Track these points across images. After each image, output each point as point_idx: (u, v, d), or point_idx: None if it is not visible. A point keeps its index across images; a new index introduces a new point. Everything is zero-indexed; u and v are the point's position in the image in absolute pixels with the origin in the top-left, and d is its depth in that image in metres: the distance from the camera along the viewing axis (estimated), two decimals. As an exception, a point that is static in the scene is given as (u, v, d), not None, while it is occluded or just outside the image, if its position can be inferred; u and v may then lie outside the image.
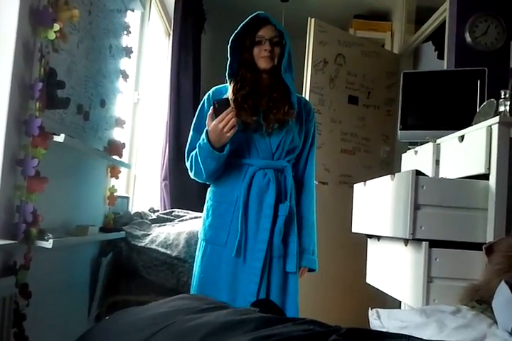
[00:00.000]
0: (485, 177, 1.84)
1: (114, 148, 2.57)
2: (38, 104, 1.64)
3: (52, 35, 1.66)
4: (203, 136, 1.84)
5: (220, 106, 1.80)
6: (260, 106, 1.93)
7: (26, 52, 1.64)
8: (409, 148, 2.67)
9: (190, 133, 1.99)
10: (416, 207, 1.80)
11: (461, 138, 2.02)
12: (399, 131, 2.70)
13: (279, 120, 1.90)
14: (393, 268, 2.11)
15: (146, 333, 1.03)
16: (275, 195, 1.89)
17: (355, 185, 2.52)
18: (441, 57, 3.76)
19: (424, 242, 1.80)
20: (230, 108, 1.79)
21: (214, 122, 1.79)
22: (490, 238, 1.77)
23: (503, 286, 1.31)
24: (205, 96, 2.02)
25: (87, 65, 2.19)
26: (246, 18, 1.91)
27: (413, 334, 1.10)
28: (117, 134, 2.70)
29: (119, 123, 2.70)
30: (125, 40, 2.72)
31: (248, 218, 1.89)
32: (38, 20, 1.66)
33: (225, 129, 1.78)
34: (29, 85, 1.65)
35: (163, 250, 2.65)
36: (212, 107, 1.82)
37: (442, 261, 1.80)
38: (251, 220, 1.89)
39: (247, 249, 1.88)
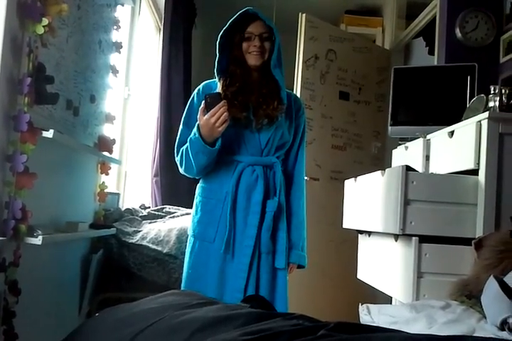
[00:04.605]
0: (474, 172, 1.85)
1: (104, 144, 2.56)
2: (26, 99, 1.62)
3: (40, 30, 1.64)
4: (195, 130, 1.83)
5: (211, 100, 1.79)
6: (250, 102, 1.92)
7: (14, 46, 1.62)
8: (400, 144, 2.68)
9: (180, 127, 1.99)
10: (406, 202, 1.81)
11: (451, 133, 2.03)
12: (389, 127, 2.71)
13: (268, 115, 1.90)
14: (384, 264, 2.12)
15: (135, 329, 1.03)
16: (263, 192, 1.89)
17: (346, 181, 2.53)
18: (432, 52, 3.77)
19: (414, 237, 1.81)
20: (221, 102, 1.78)
21: (206, 116, 1.78)
22: (479, 233, 1.78)
23: (491, 281, 1.32)
24: (195, 91, 2.02)
25: (77, 60, 2.18)
26: (237, 13, 1.90)
27: (403, 329, 1.11)
28: (107, 130, 2.69)
29: (109, 118, 2.68)
30: (115, 35, 2.70)
31: (236, 214, 1.89)
32: (26, 14, 1.64)
33: (217, 124, 1.77)
34: (17, 80, 1.64)
35: (154, 246, 2.65)
36: (203, 101, 1.81)
37: (432, 256, 1.81)
38: (239, 216, 1.89)
39: (235, 245, 1.88)
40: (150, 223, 2.98)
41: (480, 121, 1.83)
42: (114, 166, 2.86)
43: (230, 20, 1.90)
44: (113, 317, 1.16)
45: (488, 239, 1.59)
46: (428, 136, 2.26)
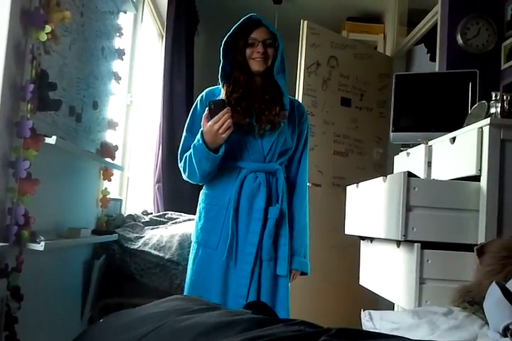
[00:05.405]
0: (476, 178, 1.85)
1: (107, 150, 2.57)
2: (29, 105, 1.63)
3: (43, 37, 1.66)
4: (198, 136, 1.84)
5: (215, 107, 1.80)
6: (253, 108, 1.93)
7: (17, 53, 1.63)
8: (402, 150, 2.68)
9: (184, 133, 1.99)
10: (408, 208, 1.81)
11: (453, 139, 2.03)
12: (391, 133, 2.71)
13: (270, 121, 1.91)
14: (386, 270, 2.12)
15: (138, 334, 1.03)
16: (266, 199, 1.90)
17: (348, 187, 2.53)
18: (433, 59, 3.78)
19: (416, 244, 1.81)
20: (225, 109, 1.79)
21: (209, 123, 1.79)
22: (481, 239, 1.77)
23: (494, 287, 1.31)
24: (199, 98, 2.03)
25: (79, 67, 2.19)
26: (239, 20, 1.91)
27: (405, 336, 1.11)
28: (110, 136, 2.70)
29: (112, 125, 2.69)
30: (117, 42, 2.72)
31: (238, 221, 1.90)
32: (29, 21, 1.66)
33: (221, 130, 1.78)
34: (20, 87, 1.65)
35: (156, 252, 2.65)
36: (207, 108, 1.82)
37: (434, 263, 1.80)
38: (241, 223, 1.89)
39: (238, 252, 1.88)
40: (152, 229, 2.98)
41: (481, 128, 1.84)
42: (116, 172, 2.87)
43: (234, 26, 1.91)
44: (116, 322, 1.16)
45: (490, 245, 1.59)
46: (430, 142, 2.26)
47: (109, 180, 2.68)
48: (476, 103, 2.26)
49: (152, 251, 2.65)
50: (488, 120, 1.81)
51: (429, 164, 2.24)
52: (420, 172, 2.23)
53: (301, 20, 3.71)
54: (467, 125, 1.99)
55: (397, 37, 4.41)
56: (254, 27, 1.91)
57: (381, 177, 2.05)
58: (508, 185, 1.81)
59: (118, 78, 2.73)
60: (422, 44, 4.20)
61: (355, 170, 3.87)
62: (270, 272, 1.90)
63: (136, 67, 3.40)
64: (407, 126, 2.68)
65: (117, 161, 2.89)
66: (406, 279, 1.87)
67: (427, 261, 1.80)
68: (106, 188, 2.65)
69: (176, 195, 3.68)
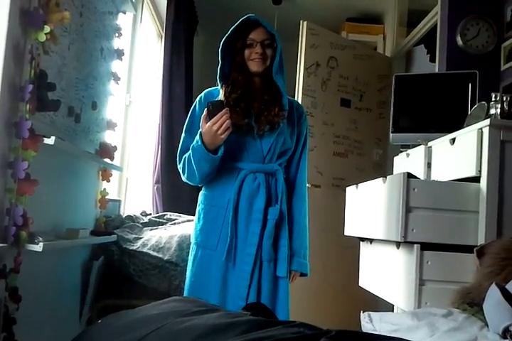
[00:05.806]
0: (476, 179, 1.84)
1: (106, 150, 2.56)
2: (28, 106, 1.63)
3: (42, 37, 1.65)
4: (197, 137, 1.83)
5: (213, 107, 1.80)
6: (252, 108, 1.92)
7: (16, 54, 1.63)
8: (401, 151, 2.68)
9: (182, 135, 1.99)
10: (408, 209, 1.80)
11: (453, 140, 2.03)
12: (391, 134, 2.71)
13: (269, 122, 1.90)
14: (385, 271, 2.11)
15: (136, 335, 1.02)
16: (265, 199, 1.89)
17: (348, 188, 2.52)
18: (433, 60, 3.78)
19: (415, 245, 1.80)
20: (224, 110, 1.79)
21: (208, 124, 1.78)
22: (481, 240, 1.77)
23: (493, 289, 1.31)
24: (197, 99, 2.02)
25: (78, 67, 2.18)
26: (238, 20, 1.91)
27: (405, 337, 1.10)
28: (109, 137, 2.70)
29: (111, 125, 2.69)
30: (117, 43, 2.72)
31: (238, 222, 1.89)
32: (28, 21, 1.66)
33: (220, 131, 1.77)
34: (19, 87, 1.65)
35: (154, 253, 2.64)
36: (206, 109, 1.81)
37: (434, 264, 1.80)
38: (241, 224, 1.89)
39: (237, 253, 1.87)
40: (151, 230, 2.97)
41: (481, 129, 1.83)
42: (115, 173, 2.86)
43: (232, 27, 1.91)
44: (115, 323, 1.15)
45: (490, 247, 1.59)
46: (429, 143, 2.26)
47: (108, 181, 2.68)
48: (475, 104, 2.25)
49: (151, 252, 2.65)
50: (487, 121, 1.80)
51: (428, 165, 2.23)
52: (420, 173, 2.22)
53: (301, 21, 3.71)
54: (467, 126, 1.98)
55: (397, 38, 4.41)
56: (252, 27, 1.91)
57: (381, 178, 2.04)
58: (508, 186, 1.81)
59: (117, 78, 2.72)
60: (422, 45, 4.20)
61: (355, 171, 3.87)
62: (270, 273, 1.89)
63: (135, 68, 3.40)
64: (407, 127, 2.67)
65: (116, 162, 2.89)
66: (405, 281, 1.87)
67: (427, 262, 1.80)
68: (105, 189, 2.65)
69: (174, 195, 3.68)
